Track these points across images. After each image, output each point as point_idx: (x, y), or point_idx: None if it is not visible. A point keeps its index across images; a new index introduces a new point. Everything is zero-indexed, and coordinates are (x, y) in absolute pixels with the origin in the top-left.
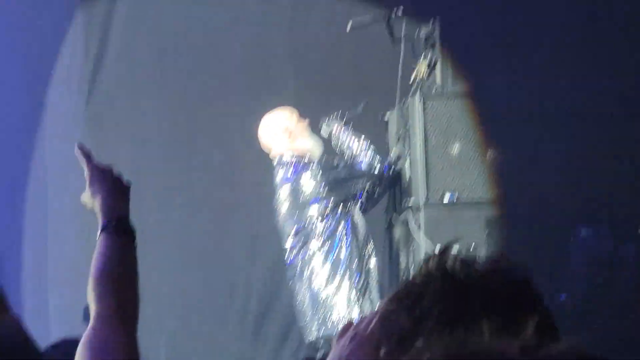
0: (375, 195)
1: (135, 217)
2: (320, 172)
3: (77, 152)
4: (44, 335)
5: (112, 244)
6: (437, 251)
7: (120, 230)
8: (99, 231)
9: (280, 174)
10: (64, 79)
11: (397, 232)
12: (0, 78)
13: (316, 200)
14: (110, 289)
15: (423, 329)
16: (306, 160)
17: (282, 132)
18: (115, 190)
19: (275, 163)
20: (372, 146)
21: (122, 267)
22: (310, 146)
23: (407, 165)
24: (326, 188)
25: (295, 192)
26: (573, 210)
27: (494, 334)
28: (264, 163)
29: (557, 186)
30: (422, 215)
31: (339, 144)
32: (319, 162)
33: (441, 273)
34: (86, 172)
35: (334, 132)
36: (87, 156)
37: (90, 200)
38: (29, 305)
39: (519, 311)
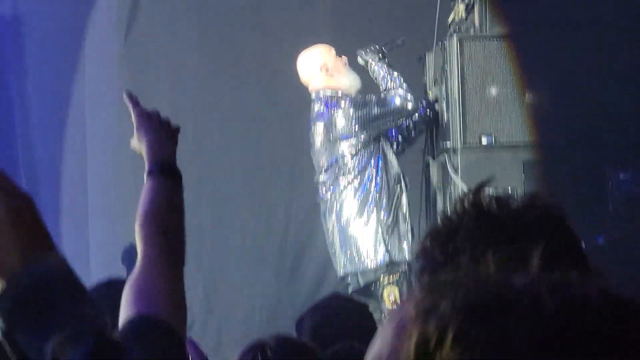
0: (412, 135)
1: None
2: (352, 108)
3: (125, 99)
4: (85, 275)
5: (159, 186)
6: (472, 190)
7: (166, 173)
8: (146, 174)
9: (315, 110)
10: (102, 20)
11: (434, 173)
12: (38, 22)
13: (347, 136)
14: (157, 230)
15: (456, 263)
16: (340, 96)
17: (320, 68)
18: (161, 134)
19: (312, 98)
20: (405, 83)
21: (169, 209)
22: (348, 83)
23: (444, 107)
24: (357, 124)
25: (328, 127)
26: (611, 153)
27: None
28: (302, 99)
29: (595, 129)
30: (459, 157)
31: (374, 77)
32: (351, 98)
33: (476, 209)
34: (134, 117)
35: (370, 62)
36: (135, 102)
37: (138, 144)
38: (70, 248)
39: (554, 247)
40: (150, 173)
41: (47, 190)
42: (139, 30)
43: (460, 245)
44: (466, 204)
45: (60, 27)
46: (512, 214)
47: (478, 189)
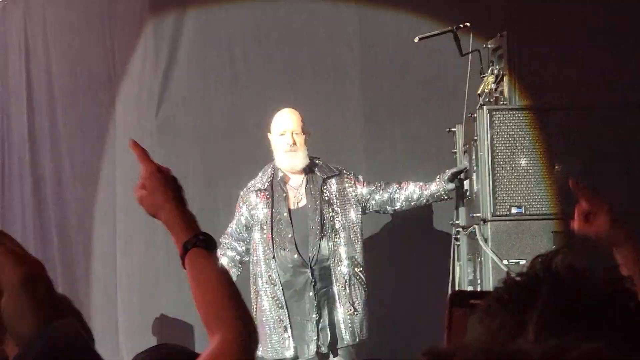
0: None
1: (208, 226)
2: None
3: (132, 145)
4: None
5: (213, 261)
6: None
7: (211, 245)
8: (186, 246)
9: None
10: (135, 90)
11: (463, 244)
12: (72, 86)
13: None
14: (236, 312)
15: (528, 328)
16: None
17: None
18: (181, 199)
19: None
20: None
21: (232, 285)
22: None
23: (474, 178)
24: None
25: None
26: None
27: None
28: (337, 160)
29: (622, 201)
30: (488, 228)
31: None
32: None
33: (551, 276)
34: (147, 175)
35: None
36: (145, 155)
37: (153, 208)
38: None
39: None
40: (194, 246)
41: (78, 258)
42: (170, 103)
43: (534, 311)
44: (538, 268)
45: (91, 101)
46: (590, 289)
47: (553, 255)
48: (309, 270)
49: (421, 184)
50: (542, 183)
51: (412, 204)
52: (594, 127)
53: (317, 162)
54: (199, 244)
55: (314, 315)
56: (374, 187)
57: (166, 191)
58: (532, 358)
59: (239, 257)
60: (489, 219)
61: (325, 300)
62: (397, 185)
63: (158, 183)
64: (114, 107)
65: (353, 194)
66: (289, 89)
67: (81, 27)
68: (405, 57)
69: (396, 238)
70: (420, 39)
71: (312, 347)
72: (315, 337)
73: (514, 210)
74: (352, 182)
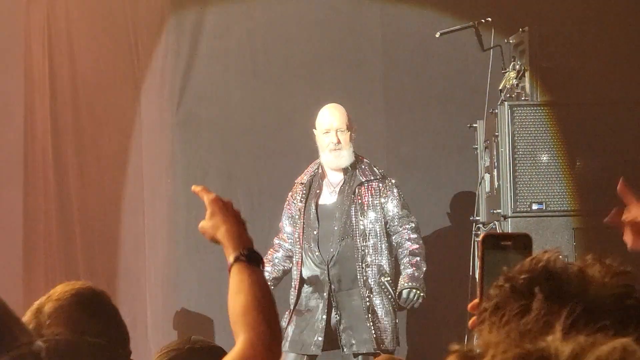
0: None
1: None
2: None
3: (196, 189)
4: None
5: (251, 274)
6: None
7: (253, 259)
8: (232, 259)
9: None
10: (157, 84)
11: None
12: (95, 81)
13: None
14: (262, 318)
15: (555, 327)
16: None
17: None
18: (238, 221)
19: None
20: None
21: (266, 294)
22: None
23: (494, 174)
24: None
25: None
26: None
27: None
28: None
29: None
30: (509, 224)
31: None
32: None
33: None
34: (208, 205)
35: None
36: (206, 190)
37: (212, 229)
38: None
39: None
40: (237, 259)
41: (103, 251)
42: (191, 97)
43: (566, 314)
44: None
45: (115, 96)
46: (598, 288)
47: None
48: (326, 269)
49: (412, 261)
50: (563, 179)
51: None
52: (616, 122)
53: (361, 163)
54: (242, 258)
55: (324, 316)
56: (398, 220)
57: (225, 215)
58: (564, 353)
59: (290, 253)
60: (510, 215)
61: (345, 302)
62: (406, 249)
63: (217, 208)
64: (139, 101)
65: (385, 204)
66: (310, 84)
67: (104, 22)
68: (426, 52)
69: None
70: (441, 34)
71: (313, 347)
72: (322, 337)
73: (534, 207)
74: (387, 194)
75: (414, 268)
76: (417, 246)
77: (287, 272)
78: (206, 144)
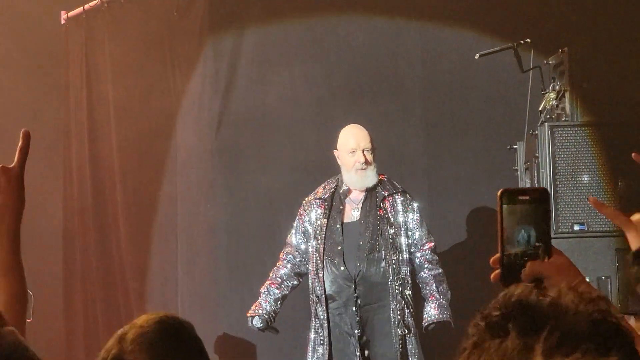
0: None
1: (269, 243)
2: None
3: None
4: None
5: None
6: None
7: None
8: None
9: None
10: (195, 110)
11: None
12: (131, 106)
13: None
14: None
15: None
16: None
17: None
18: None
19: None
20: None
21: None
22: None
23: None
24: None
25: None
26: None
27: None
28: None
29: None
30: None
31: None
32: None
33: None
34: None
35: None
36: None
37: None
38: None
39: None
40: None
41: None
42: (230, 122)
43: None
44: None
45: (151, 121)
46: (574, 315)
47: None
48: (353, 285)
49: (432, 295)
50: (604, 199)
51: (416, 280)
52: None
53: (381, 177)
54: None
55: (356, 331)
56: (419, 237)
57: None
58: None
59: (298, 269)
60: (552, 236)
61: (374, 318)
62: (430, 273)
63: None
64: (175, 127)
65: (406, 218)
66: (350, 107)
67: (142, 47)
68: (466, 74)
69: (451, 257)
70: (480, 55)
71: None
72: (359, 353)
73: (576, 228)
74: (408, 209)
75: (442, 297)
76: (440, 271)
77: (294, 289)
78: (246, 169)
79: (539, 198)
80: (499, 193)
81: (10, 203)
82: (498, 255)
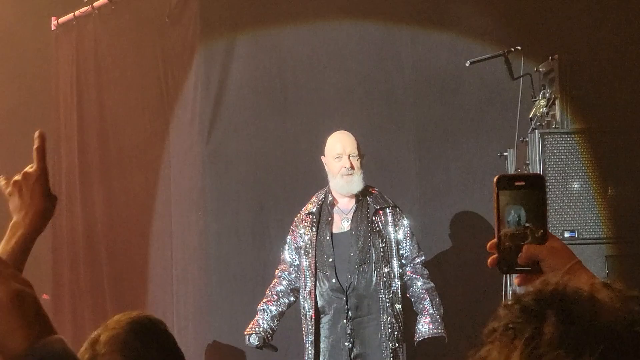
0: None
1: (259, 252)
2: None
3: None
4: None
5: None
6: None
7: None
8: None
9: None
10: (187, 117)
11: None
12: (123, 113)
13: None
14: None
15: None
16: None
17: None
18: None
19: None
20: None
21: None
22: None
23: None
24: None
25: None
26: None
27: None
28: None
29: None
30: None
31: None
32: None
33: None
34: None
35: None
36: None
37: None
38: None
39: None
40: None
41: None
42: (221, 129)
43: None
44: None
45: (143, 128)
46: (603, 314)
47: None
48: (344, 297)
49: (426, 310)
50: (595, 207)
51: (407, 294)
52: None
53: (372, 190)
54: None
55: (346, 344)
56: (409, 251)
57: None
58: None
59: (294, 285)
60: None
61: (365, 330)
62: (423, 287)
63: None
64: (168, 133)
65: (397, 232)
66: (341, 113)
67: (133, 54)
68: (457, 81)
69: (442, 263)
70: (471, 62)
71: None
72: None
73: (566, 235)
74: (398, 224)
75: (436, 311)
76: (432, 285)
77: (291, 305)
78: (237, 176)
79: (536, 184)
80: (495, 179)
81: (30, 210)
82: (494, 240)
